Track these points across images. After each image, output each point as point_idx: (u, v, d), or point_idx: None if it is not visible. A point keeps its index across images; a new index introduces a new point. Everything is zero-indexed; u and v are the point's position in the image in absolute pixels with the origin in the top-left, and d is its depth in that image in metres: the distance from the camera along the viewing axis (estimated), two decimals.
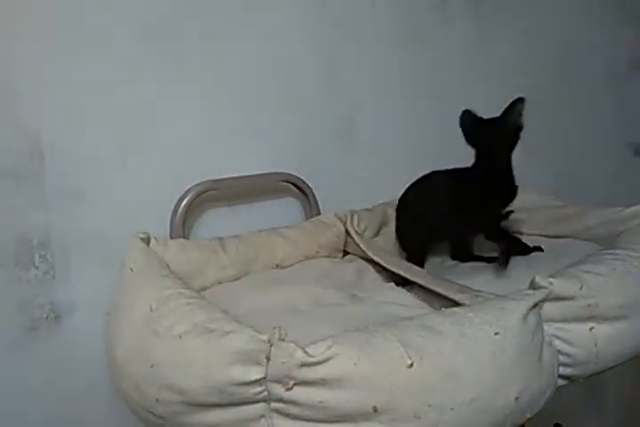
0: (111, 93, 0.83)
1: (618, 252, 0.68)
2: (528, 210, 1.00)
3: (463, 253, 0.89)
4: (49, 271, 0.79)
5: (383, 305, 0.71)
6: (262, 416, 0.46)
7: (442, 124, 1.20)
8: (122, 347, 0.56)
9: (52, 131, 0.78)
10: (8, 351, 0.77)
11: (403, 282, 0.78)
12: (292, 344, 0.44)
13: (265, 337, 0.44)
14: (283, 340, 0.45)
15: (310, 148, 1.03)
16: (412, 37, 1.15)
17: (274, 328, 0.45)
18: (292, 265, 0.85)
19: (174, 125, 0.88)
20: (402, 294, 0.75)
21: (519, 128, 0.80)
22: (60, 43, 0.78)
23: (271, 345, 0.44)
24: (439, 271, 0.83)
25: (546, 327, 0.58)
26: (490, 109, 0.80)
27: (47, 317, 0.79)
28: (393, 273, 0.79)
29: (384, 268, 0.81)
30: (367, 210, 1.02)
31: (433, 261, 0.90)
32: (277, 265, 0.84)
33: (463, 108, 0.82)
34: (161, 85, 0.87)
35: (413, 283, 0.74)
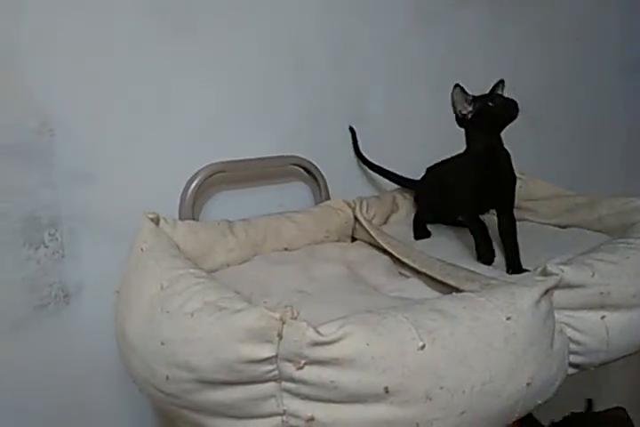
0: (123, 74, 0.82)
1: (631, 241, 0.68)
2: (538, 199, 0.99)
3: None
4: (58, 250, 0.79)
5: (393, 293, 0.71)
6: (272, 396, 0.46)
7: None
8: (131, 325, 0.56)
9: (63, 110, 0.78)
10: (17, 329, 0.77)
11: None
12: (304, 323, 0.44)
13: (277, 315, 0.44)
14: (295, 319, 0.44)
15: (321, 132, 1.02)
16: (425, 20, 1.14)
17: (285, 307, 0.45)
18: (299, 249, 0.85)
19: (185, 107, 0.88)
20: (411, 283, 0.75)
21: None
22: (71, 19, 0.77)
23: (283, 323, 0.44)
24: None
25: (557, 315, 0.57)
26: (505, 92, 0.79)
27: (56, 295, 0.79)
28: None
29: (393, 254, 0.81)
30: (376, 197, 1.02)
31: None
32: (285, 249, 0.84)
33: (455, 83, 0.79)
34: (172, 69, 0.86)
35: None
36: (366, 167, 1.07)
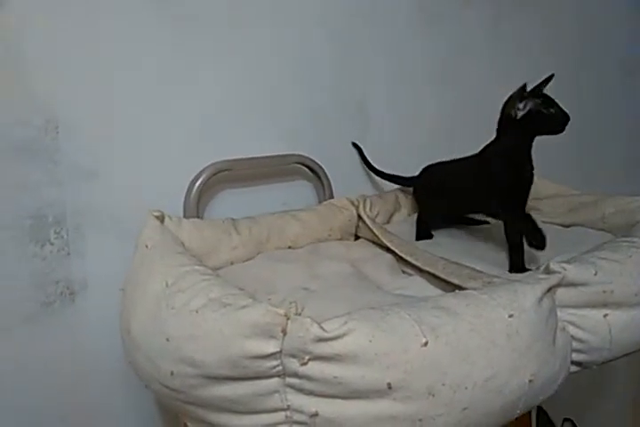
0: (128, 70, 0.82)
1: (635, 240, 0.68)
2: (542, 198, 0.99)
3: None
4: (64, 248, 0.79)
5: (396, 291, 0.71)
6: (276, 391, 0.46)
7: (457, 110, 1.20)
8: (137, 321, 0.57)
9: (67, 107, 0.78)
10: (23, 326, 0.77)
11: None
12: (309, 319, 0.44)
13: (282, 311, 0.44)
14: (299, 314, 0.45)
15: (325, 131, 1.03)
16: (429, 20, 1.14)
17: (290, 303, 0.45)
18: (303, 247, 0.85)
19: (189, 105, 0.88)
20: (414, 281, 0.75)
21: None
22: (74, 18, 0.77)
23: (288, 319, 0.44)
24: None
25: (560, 313, 0.58)
26: (506, 93, 0.78)
27: (61, 293, 0.79)
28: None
29: (396, 253, 0.81)
30: (379, 195, 1.02)
31: None
32: (289, 247, 0.84)
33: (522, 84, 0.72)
34: (177, 65, 0.86)
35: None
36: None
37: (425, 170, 0.97)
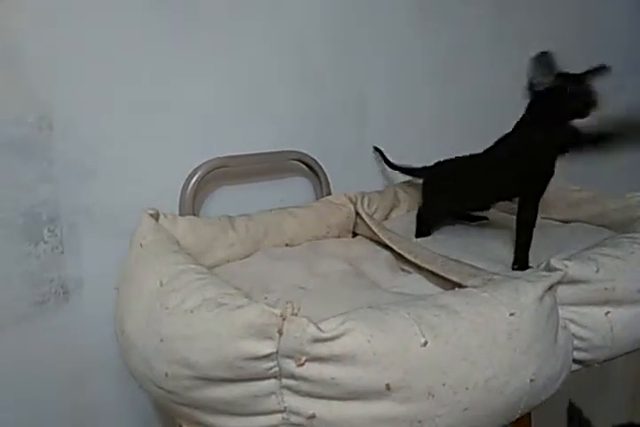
0: (124, 67, 0.81)
1: (636, 236, 0.67)
2: None
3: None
4: (57, 246, 0.78)
5: (394, 289, 0.70)
6: (272, 393, 0.45)
7: (457, 109, 1.19)
8: (131, 321, 0.56)
9: (61, 104, 0.77)
10: (16, 325, 0.76)
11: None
12: (305, 319, 0.43)
13: (278, 311, 0.43)
14: (295, 315, 0.44)
15: (323, 128, 1.02)
16: (429, 20, 1.13)
17: (286, 303, 0.44)
18: (301, 244, 0.84)
19: (186, 102, 0.87)
20: (413, 279, 0.74)
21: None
22: (73, 12, 0.76)
23: (284, 319, 0.43)
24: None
25: (561, 311, 0.57)
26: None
27: (55, 291, 0.78)
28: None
29: (394, 250, 0.80)
30: (378, 192, 1.01)
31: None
32: (287, 244, 0.83)
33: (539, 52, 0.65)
34: (174, 62, 0.85)
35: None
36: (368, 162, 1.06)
37: (440, 162, 0.93)
